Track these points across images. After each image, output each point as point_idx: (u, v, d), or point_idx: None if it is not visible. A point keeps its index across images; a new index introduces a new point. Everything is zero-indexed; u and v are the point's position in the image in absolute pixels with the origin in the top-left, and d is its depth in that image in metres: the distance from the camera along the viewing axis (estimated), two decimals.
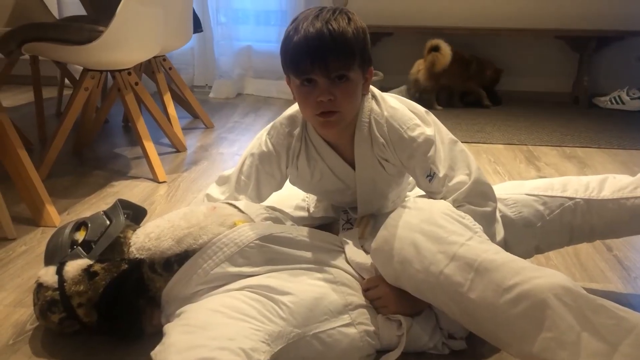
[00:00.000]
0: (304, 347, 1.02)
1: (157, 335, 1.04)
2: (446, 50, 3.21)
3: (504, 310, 0.95)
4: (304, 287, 1.08)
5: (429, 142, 1.16)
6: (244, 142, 2.63)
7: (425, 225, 1.07)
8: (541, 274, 0.95)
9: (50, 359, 1.12)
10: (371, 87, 1.21)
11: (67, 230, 1.21)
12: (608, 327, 0.87)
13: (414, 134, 1.16)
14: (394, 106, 1.19)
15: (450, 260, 1.01)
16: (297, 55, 1.08)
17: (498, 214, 1.22)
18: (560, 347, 0.89)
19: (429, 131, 1.16)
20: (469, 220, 1.11)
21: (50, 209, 1.72)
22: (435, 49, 3.23)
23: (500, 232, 1.20)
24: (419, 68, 3.34)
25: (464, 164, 1.18)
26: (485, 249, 1.02)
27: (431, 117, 1.22)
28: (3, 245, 1.58)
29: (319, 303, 1.07)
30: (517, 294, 0.93)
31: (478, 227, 1.11)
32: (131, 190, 2.02)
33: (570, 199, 1.29)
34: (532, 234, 1.28)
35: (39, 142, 2.57)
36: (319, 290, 1.09)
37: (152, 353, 0.98)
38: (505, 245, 1.23)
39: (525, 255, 1.28)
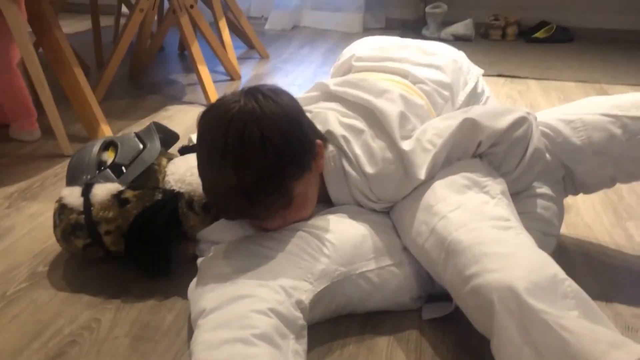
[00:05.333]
0: (349, 287, 0.96)
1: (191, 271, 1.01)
2: None
3: (466, 302, 0.88)
4: (350, 227, 1.01)
5: (416, 181, 1.00)
6: (299, 73, 2.56)
7: (421, 192, 1.00)
8: (498, 266, 0.83)
9: (79, 286, 1.09)
10: (336, 132, 1.03)
11: (95, 149, 1.11)
12: (550, 348, 0.75)
13: (408, 184, 1.01)
14: (372, 168, 1.01)
15: (430, 233, 0.94)
16: (224, 212, 0.97)
17: (535, 130, 1.04)
18: (503, 357, 0.81)
19: (417, 174, 1.00)
20: (478, 174, 1.00)
21: (105, 128, 1.72)
22: None
23: (532, 144, 1.04)
24: None
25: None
26: (461, 224, 0.91)
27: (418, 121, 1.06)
28: (59, 162, 1.60)
29: (366, 240, 0.99)
30: (472, 287, 0.85)
31: (489, 181, 0.99)
32: (185, 115, 2.00)
33: None
34: (604, 163, 1.11)
35: (96, 68, 2.58)
36: (366, 229, 1.01)
37: (189, 289, 0.96)
38: (574, 175, 1.13)
39: (601, 185, 1.17)
